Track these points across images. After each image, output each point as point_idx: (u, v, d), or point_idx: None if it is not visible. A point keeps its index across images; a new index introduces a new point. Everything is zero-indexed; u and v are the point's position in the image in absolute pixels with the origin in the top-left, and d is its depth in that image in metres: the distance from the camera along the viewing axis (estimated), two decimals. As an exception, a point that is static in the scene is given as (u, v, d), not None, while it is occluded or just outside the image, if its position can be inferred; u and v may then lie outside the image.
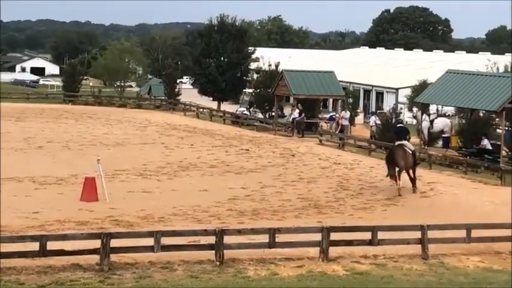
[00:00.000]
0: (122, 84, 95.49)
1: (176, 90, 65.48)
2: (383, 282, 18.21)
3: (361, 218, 25.15)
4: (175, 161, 35.99)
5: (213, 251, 18.86)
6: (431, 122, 43.54)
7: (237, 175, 33.09)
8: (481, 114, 42.54)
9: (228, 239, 19.08)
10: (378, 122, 47.24)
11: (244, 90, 66.96)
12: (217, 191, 29.13)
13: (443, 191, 29.90)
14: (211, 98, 67.47)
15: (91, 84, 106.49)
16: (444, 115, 53.14)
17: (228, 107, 66.80)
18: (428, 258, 20.19)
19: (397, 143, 31.04)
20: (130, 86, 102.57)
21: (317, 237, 19.65)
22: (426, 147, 41.19)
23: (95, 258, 18.14)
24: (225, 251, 18.91)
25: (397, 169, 30.00)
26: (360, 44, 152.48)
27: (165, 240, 18.75)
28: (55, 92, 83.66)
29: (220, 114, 56.52)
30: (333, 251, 19.78)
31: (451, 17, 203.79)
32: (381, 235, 20.29)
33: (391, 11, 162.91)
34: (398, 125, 33.87)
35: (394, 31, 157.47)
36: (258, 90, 56.48)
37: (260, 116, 55.61)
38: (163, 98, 66.29)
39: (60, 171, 31.86)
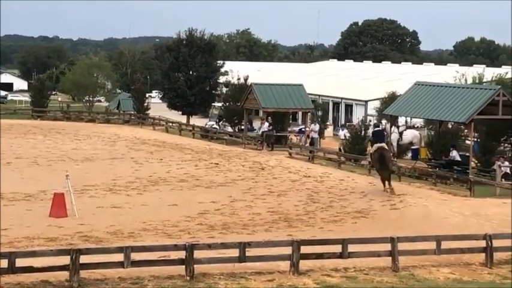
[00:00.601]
0: (91, 99, 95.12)
1: (145, 104, 65.29)
2: (354, 295, 18.22)
3: (331, 231, 25.18)
4: (144, 175, 35.85)
5: (184, 266, 18.79)
6: (401, 134, 43.79)
7: (207, 189, 33.04)
8: (450, 126, 42.84)
9: (198, 254, 19.02)
10: (348, 134, 47.38)
11: (213, 104, 66.92)
12: (187, 206, 29.05)
13: (413, 203, 30.06)
14: (180, 112, 67.34)
15: (59, 99, 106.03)
16: (413, 127, 53.44)
17: (197, 121, 66.70)
18: (398, 270, 20.25)
19: (376, 145, 32.64)
20: (99, 101, 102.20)
21: (287, 250, 19.64)
22: (395, 159, 41.37)
23: (65, 274, 17.98)
24: (195, 265, 18.85)
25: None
26: (328, 56, 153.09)
27: (135, 256, 18.65)
28: (23, 107, 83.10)
29: (189, 128, 56.45)
30: (304, 264, 19.77)
31: (419, 29, 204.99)
32: (351, 248, 20.32)
33: (359, 23, 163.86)
34: (376, 129, 35.65)
35: (362, 43, 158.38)
36: (227, 104, 56.50)
37: (229, 129, 55.60)
38: (132, 112, 66.09)
39: (29, 187, 31.62)
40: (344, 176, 36.90)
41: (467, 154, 38.28)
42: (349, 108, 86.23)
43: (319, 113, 70.46)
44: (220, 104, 61.00)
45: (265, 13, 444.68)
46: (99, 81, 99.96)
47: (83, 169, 37.42)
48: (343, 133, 49.80)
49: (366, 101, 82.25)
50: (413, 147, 43.23)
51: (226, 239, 22.30)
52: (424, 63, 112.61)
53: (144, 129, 57.29)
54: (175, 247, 19.28)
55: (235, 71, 67.12)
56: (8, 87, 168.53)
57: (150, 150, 45.06)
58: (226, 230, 24.97)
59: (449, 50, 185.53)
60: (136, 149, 45.54)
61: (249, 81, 54.87)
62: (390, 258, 20.48)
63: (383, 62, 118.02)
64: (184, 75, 64.48)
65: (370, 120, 67.35)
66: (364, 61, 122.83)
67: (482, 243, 21.42)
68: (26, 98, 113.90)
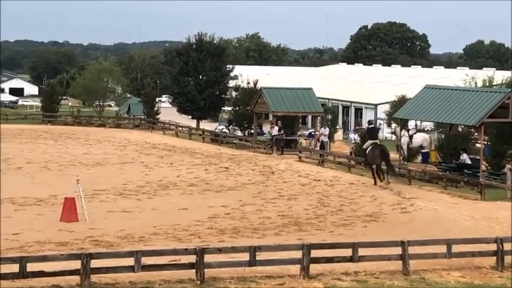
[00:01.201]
0: (101, 103, 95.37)
1: (155, 109, 65.47)
2: (364, 298, 18.21)
3: (341, 235, 25.16)
4: (154, 180, 35.91)
5: (194, 270, 18.81)
6: (411, 137, 43.69)
7: (217, 193, 33.06)
8: (460, 129, 42.76)
9: (208, 258, 19.03)
10: (357, 138, 47.36)
11: (223, 108, 67.03)
12: (197, 210, 29.08)
13: (423, 207, 30.02)
14: (190, 117, 67.42)
15: (70, 104, 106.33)
16: (423, 130, 53.38)
17: (207, 125, 66.83)
18: (409, 274, 20.22)
19: (370, 142, 36.12)
20: (109, 106, 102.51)
21: (298, 254, 19.64)
22: (405, 162, 41.32)
23: (76, 279, 18.03)
24: (205, 269, 18.86)
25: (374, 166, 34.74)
26: (338, 60, 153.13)
27: (146, 260, 18.68)
28: (34, 112, 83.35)
29: (199, 132, 56.51)
30: (314, 268, 19.77)
31: (429, 33, 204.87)
32: (361, 251, 20.31)
33: (369, 27, 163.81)
34: (370, 126, 39.01)
35: (372, 47, 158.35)
36: (236, 108, 56.55)
37: (239, 133, 55.64)
38: (142, 117, 66.22)
39: (40, 192, 31.70)
40: (354, 179, 36.87)
41: (478, 157, 38.17)
42: (358, 111, 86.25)
43: (329, 116, 70.46)
44: (230, 108, 61.10)
45: (274, 17, 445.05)
46: (109, 86, 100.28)
47: (94, 174, 37.50)
48: (353, 137, 49.73)
49: (376, 105, 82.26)
50: (423, 150, 43.09)
51: (236, 243, 22.31)
52: (433, 67, 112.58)
53: (154, 134, 57.39)
54: (186, 251, 19.29)
55: (245, 75, 67.29)
56: (19, 92, 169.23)
57: (160, 155, 45.12)
58: (236, 234, 24.99)
59: (459, 53, 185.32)
60: (146, 154, 45.61)
61: (259, 85, 54.90)
62: (401, 261, 20.46)
63: (392, 66, 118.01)
64: (194, 79, 64.59)
65: (380, 124, 67.41)
66: (374, 65, 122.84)
67: (493, 247, 21.37)
68: (36, 103, 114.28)
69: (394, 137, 50.06)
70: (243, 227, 26.23)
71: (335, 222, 27.40)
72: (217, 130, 58.09)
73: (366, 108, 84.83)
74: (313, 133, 51.95)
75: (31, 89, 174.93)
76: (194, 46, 65.08)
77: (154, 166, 40.44)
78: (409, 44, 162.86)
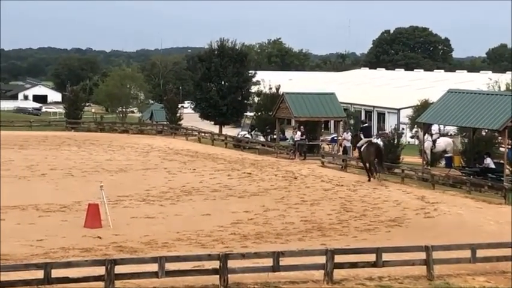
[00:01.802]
0: (124, 110, 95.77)
1: (178, 115, 65.56)
2: (388, 304, 18.15)
3: (365, 240, 25.10)
4: (178, 185, 35.97)
5: (218, 276, 18.82)
6: (434, 141, 43.52)
7: (240, 199, 33.08)
8: (484, 133, 42.53)
9: (232, 263, 19.04)
10: (381, 143, 47.16)
11: (245, 113, 67.03)
12: (220, 215, 29.11)
13: (447, 211, 29.88)
14: (212, 122, 67.53)
15: (93, 110, 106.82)
16: (446, 135, 53.12)
17: (229, 130, 66.86)
18: (433, 279, 20.14)
19: (365, 140, 38.63)
20: (132, 112, 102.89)
21: (321, 260, 19.62)
22: (429, 167, 41.16)
23: (100, 285, 18.10)
24: (229, 275, 18.87)
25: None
26: (360, 65, 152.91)
27: (169, 266, 18.72)
28: (58, 119, 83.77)
29: (222, 138, 56.55)
30: (338, 273, 19.73)
31: (451, 37, 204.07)
32: (385, 257, 20.25)
33: (391, 31, 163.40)
34: (364, 125, 41.58)
35: (394, 51, 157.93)
36: (259, 114, 56.54)
37: (262, 139, 55.62)
38: (165, 123, 66.37)
39: (64, 199, 31.85)
40: (377, 184, 36.76)
41: (502, 161, 37.95)
42: (381, 116, 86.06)
43: (352, 121, 70.34)
44: (252, 114, 61.08)
45: (296, 22, 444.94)
46: (132, 92, 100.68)
47: (117, 180, 37.63)
48: (377, 141, 49.53)
49: (399, 109, 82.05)
50: (446, 155, 42.91)
51: (259, 249, 22.31)
52: (456, 71, 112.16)
53: (177, 140, 57.50)
54: (209, 257, 19.32)
55: (267, 80, 67.34)
56: (43, 99, 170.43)
57: (183, 161, 45.19)
58: (259, 240, 24.98)
59: (482, 57, 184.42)
60: (169, 160, 45.71)
61: (281, 91, 54.88)
62: (425, 266, 20.38)
63: (415, 70, 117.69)
64: (216, 85, 64.68)
65: (403, 128, 67.17)
66: (396, 69, 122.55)
67: (518, 251, 21.25)
68: (60, 109, 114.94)
69: (416, 142, 49.85)
70: (266, 232, 26.23)
71: (358, 227, 27.32)
72: (239, 136, 58.11)
73: (388, 112, 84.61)
74: (335, 138, 51.86)
75: (54, 96, 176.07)
76: (216, 52, 65.18)
77: (177, 172, 40.52)
78: (431, 48, 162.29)
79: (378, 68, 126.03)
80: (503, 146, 39.19)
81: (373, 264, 20.16)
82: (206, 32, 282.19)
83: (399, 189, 35.59)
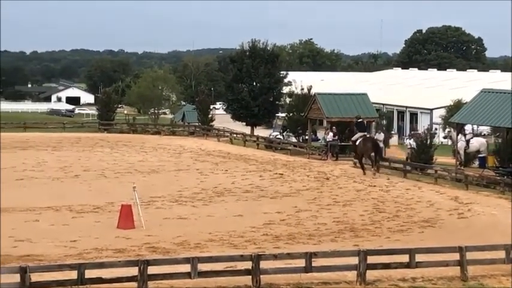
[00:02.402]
0: (156, 111, 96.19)
1: (209, 116, 65.69)
2: (422, 305, 18.05)
3: (398, 241, 24.98)
4: (210, 186, 36.04)
5: (250, 276, 18.83)
6: (467, 142, 43.22)
7: (272, 200, 33.05)
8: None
9: (264, 264, 19.04)
10: (413, 144, 46.92)
11: (277, 114, 67.05)
12: (252, 216, 29.11)
13: (481, 212, 29.65)
14: (244, 123, 67.59)
15: (125, 112, 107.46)
16: (480, 135, 52.73)
17: (261, 131, 66.90)
18: (467, 280, 20.00)
19: (361, 134, 40.35)
20: (164, 113, 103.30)
21: (354, 260, 19.55)
22: (462, 167, 40.88)
23: (133, 285, 18.18)
24: (261, 276, 18.87)
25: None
26: (392, 65, 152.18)
27: (202, 266, 18.75)
28: (90, 120, 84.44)
29: (253, 139, 56.56)
30: (371, 274, 19.65)
31: (484, 36, 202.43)
32: (418, 257, 20.15)
33: (423, 31, 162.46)
34: (359, 120, 42.44)
35: (427, 51, 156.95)
36: (291, 114, 56.50)
37: (294, 139, 55.56)
38: (197, 124, 66.54)
39: (97, 200, 32.04)
40: (410, 185, 36.57)
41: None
42: (414, 116, 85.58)
43: (384, 122, 70.03)
44: (284, 115, 61.07)
45: (328, 23, 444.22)
46: (164, 93, 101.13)
47: (150, 181, 37.79)
48: (409, 142, 49.32)
49: (431, 109, 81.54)
50: (480, 155, 42.60)
51: (292, 249, 22.28)
52: (490, 70, 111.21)
53: (209, 141, 57.62)
54: (242, 257, 19.33)
55: (299, 81, 67.15)
56: (76, 101, 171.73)
57: (215, 162, 45.27)
58: (292, 240, 24.96)
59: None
60: (201, 161, 45.81)
61: (313, 91, 54.78)
62: (459, 267, 20.24)
63: (448, 70, 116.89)
64: (248, 86, 64.74)
65: (435, 129, 66.76)
66: (429, 69, 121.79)
67: (553, 252, 21.01)
68: (92, 111, 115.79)
69: (449, 142, 49.52)
70: (299, 233, 26.19)
71: (391, 228, 27.20)
72: (271, 136, 58.10)
73: (421, 113, 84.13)
74: (368, 138, 51.53)
75: (87, 97, 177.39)
76: (248, 53, 65.27)
77: (209, 173, 40.60)
78: (464, 47, 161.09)
79: (410, 68, 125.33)
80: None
81: (406, 265, 20.06)
82: (237, 33, 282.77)
83: (432, 189, 35.37)
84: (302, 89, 57.46)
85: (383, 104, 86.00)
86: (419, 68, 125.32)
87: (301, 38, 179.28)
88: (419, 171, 39.82)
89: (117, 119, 70.47)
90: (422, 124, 77.35)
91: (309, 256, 19.35)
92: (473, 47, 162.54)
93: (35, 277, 17.90)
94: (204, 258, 19.32)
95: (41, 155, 46.28)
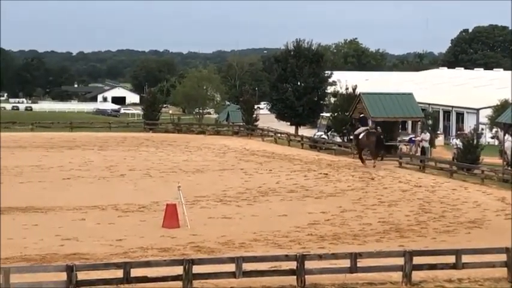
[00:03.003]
0: (201, 111, 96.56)
1: (254, 116, 65.73)
2: (468, 306, 17.88)
3: (444, 241, 24.77)
4: (254, 186, 36.06)
5: (295, 277, 18.82)
6: (515, 142, 42.67)
7: (317, 200, 32.98)
8: None
9: (309, 264, 19.01)
10: (459, 144, 46.50)
11: (321, 114, 66.81)
12: (296, 216, 29.06)
13: (529, 213, 29.26)
14: (288, 123, 67.51)
15: (170, 112, 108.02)
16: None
17: (305, 131, 66.76)
18: (514, 281, 19.76)
19: (363, 128, 42.30)
20: (209, 113, 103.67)
21: (399, 261, 19.43)
22: (509, 168, 40.40)
23: (178, 284, 18.27)
24: (306, 276, 18.85)
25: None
26: (438, 64, 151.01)
27: (247, 266, 18.78)
28: (136, 120, 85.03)
29: (298, 138, 56.46)
30: (416, 275, 19.53)
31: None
32: (465, 258, 19.97)
33: (470, 30, 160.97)
34: (361, 115, 44.54)
35: (473, 51, 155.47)
36: (335, 114, 56.31)
37: (338, 139, 55.36)
38: (241, 124, 66.65)
39: (142, 199, 32.23)
40: (456, 185, 36.25)
41: None
42: (460, 116, 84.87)
43: (430, 121, 69.51)
44: (328, 114, 60.87)
45: (373, 22, 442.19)
46: (208, 93, 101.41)
47: (194, 180, 37.91)
48: (455, 142, 48.91)
49: (478, 109, 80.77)
50: (527, 155, 42.03)
51: (337, 250, 22.21)
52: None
53: (253, 141, 57.68)
54: (286, 257, 19.33)
55: (343, 80, 66.92)
56: (121, 101, 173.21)
57: (260, 161, 45.29)
58: (336, 241, 24.87)
59: None
60: (245, 160, 45.86)
61: (357, 91, 54.55)
62: (505, 268, 20.02)
63: (494, 69, 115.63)
64: (292, 86, 64.67)
65: (482, 129, 66.12)
66: (475, 68, 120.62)
67: None
68: (138, 111, 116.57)
69: (496, 142, 49.00)
70: (343, 233, 26.10)
71: (437, 228, 26.98)
72: (316, 136, 57.97)
73: (467, 113, 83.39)
74: (413, 138, 51.29)
75: (132, 97, 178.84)
76: (292, 53, 65.20)
77: (254, 173, 40.62)
78: (511, 47, 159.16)
79: (456, 68, 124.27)
80: None
81: (453, 266, 19.90)
82: (282, 33, 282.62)
83: (479, 190, 35.04)
84: (347, 89, 57.22)
85: (429, 104, 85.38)
86: (466, 68, 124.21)
87: (346, 38, 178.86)
88: (466, 172, 39.46)
89: (162, 119, 70.85)
90: (469, 124, 76.66)
91: (354, 256, 19.28)
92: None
93: (81, 275, 18.09)
94: (248, 257, 19.35)
95: (87, 155, 46.72)
